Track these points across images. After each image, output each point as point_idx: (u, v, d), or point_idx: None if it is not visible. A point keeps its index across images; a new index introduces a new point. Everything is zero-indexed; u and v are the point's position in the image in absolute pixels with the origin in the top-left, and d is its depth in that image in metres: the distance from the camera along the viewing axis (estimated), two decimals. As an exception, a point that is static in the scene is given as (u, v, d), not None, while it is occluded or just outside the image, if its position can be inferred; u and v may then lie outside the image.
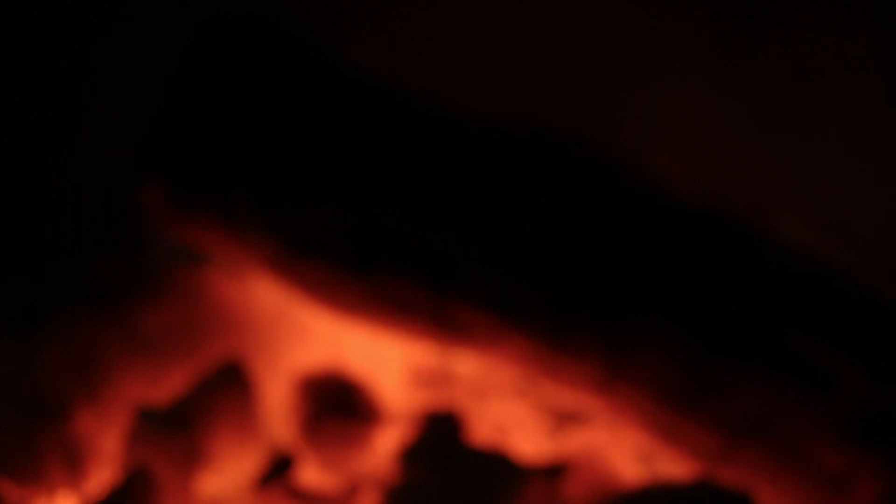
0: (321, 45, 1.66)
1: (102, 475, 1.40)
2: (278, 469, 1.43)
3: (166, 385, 1.52)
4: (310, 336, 1.78)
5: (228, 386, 1.51)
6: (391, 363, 1.83)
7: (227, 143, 1.58)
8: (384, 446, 1.55)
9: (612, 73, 2.46)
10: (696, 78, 2.45)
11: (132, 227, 1.71)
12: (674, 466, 1.52)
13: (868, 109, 2.40)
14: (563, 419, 1.80)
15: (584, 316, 1.45)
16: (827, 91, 2.41)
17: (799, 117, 2.42)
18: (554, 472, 1.50)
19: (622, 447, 1.68)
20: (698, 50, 2.44)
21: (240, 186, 1.58)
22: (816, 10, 2.39)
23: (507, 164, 1.55)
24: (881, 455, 1.27)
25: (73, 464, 1.38)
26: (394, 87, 1.62)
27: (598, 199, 1.52)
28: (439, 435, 1.32)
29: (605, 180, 1.56)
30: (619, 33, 2.45)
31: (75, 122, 2.30)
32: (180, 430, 1.34)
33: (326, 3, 2.38)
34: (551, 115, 2.01)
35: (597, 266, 1.46)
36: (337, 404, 1.53)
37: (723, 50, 2.43)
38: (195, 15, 1.66)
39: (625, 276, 1.45)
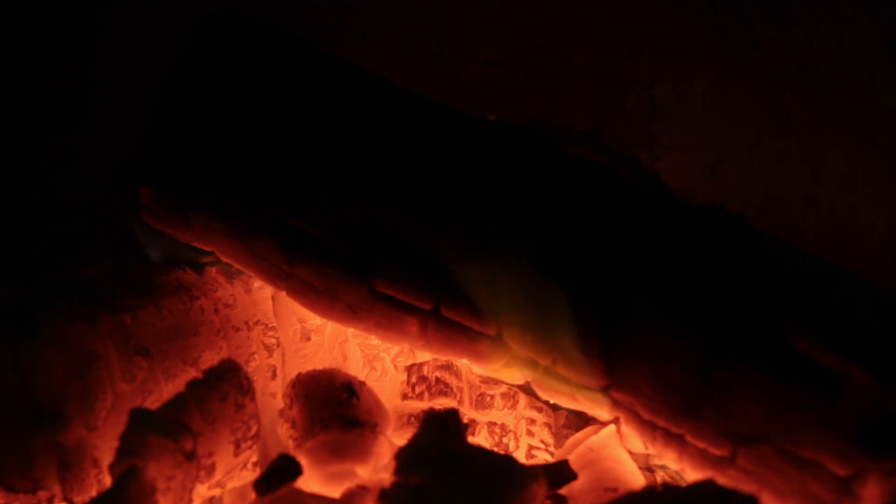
0: (318, 44, 1.65)
1: (98, 479, 1.39)
2: (278, 471, 1.42)
3: (163, 387, 1.51)
4: (309, 338, 1.77)
5: (226, 388, 1.50)
6: (391, 365, 1.83)
7: (223, 144, 1.57)
8: (384, 447, 1.54)
9: (614, 73, 2.46)
10: (697, 77, 2.45)
11: (127, 231, 1.70)
12: (676, 468, 1.51)
13: (872, 108, 2.40)
14: (564, 420, 1.80)
15: (585, 316, 1.44)
16: (830, 90, 2.41)
17: (802, 116, 2.42)
18: (555, 473, 1.49)
19: (624, 448, 1.67)
20: (700, 50, 2.44)
21: (237, 188, 1.57)
22: (819, 7, 2.39)
23: (507, 164, 1.54)
24: (888, 458, 1.26)
25: (68, 469, 1.37)
26: (393, 87, 1.61)
27: (599, 199, 1.51)
28: (439, 435, 1.31)
29: (605, 180, 1.55)
30: (621, 33, 2.45)
31: (71, 125, 2.30)
32: (177, 432, 1.33)
33: (327, 3, 2.38)
34: (553, 114, 2.00)
35: (597, 266, 1.45)
36: (337, 407, 1.52)
37: (725, 49, 2.43)
38: (188, 19, 1.65)
39: (625, 277, 1.44)
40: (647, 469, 1.69)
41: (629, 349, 1.43)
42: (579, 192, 1.50)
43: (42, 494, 1.38)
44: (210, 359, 1.58)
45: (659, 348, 1.40)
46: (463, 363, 1.71)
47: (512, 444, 1.70)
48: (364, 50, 1.94)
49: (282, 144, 1.55)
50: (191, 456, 1.33)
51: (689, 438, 1.41)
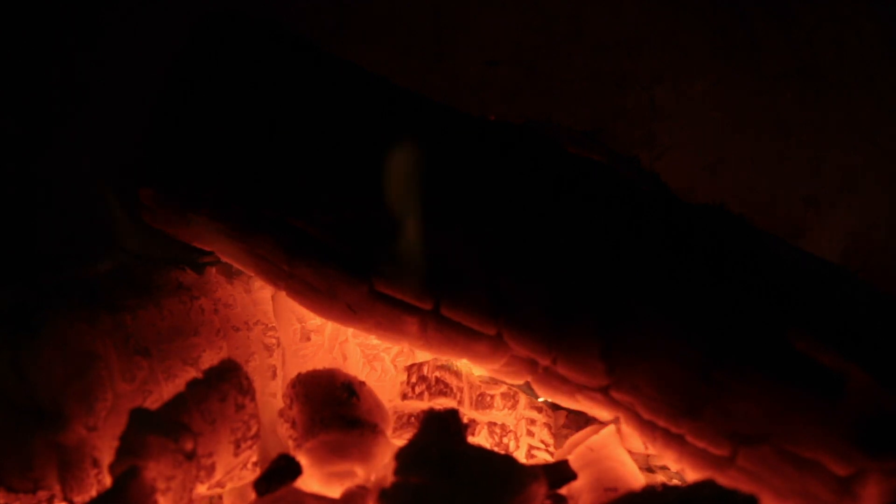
0: (318, 44, 1.65)
1: (98, 479, 1.39)
2: (278, 471, 1.42)
3: (163, 387, 1.51)
4: (309, 338, 1.77)
5: (226, 388, 1.50)
6: (391, 365, 1.83)
7: (223, 144, 1.57)
8: (384, 447, 1.54)
9: (614, 73, 2.46)
10: (697, 77, 2.45)
11: (126, 230, 1.70)
12: (676, 468, 1.51)
13: (872, 108, 2.40)
14: (564, 420, 1.80)
15: (585, 316, 1.44)
16: (830, 90, 2.41)
17: (802, 116, 2.42)
18: (555, 473, 1.49)
19: (624, 448, 1.67)
20: (700, 50, 2.44)
21: (237, 188, 1.57)
22: (819, 7, 2.39)
23: (507, 164, 1.54)
24: (888, 458, 1.26)
25: (68, 469, 1.37)
26: (394, 87, 1.61)
27: (599, 199, 1.51)
28: (439, 435, 1.31)
29: (605, 180, 1.55)
30: (621, 33, 2.45)
31: (71, 125, 2.30)
32: (177, 432, 1.33)
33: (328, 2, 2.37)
34: (553, 114, 2.00)
35: (597, 266, 1.45)
36: (337, 407, 1.52)
37: (725, 49, 2.43)
38: (188, 19, 1.65)
39: (625, 277, 1.44)
40: (647, 469, 1.69)
41: (629, 349, 1.43)
42: (579, 192, 1.50)
43: (42, 494, 1.38)
44: (210, 359, 1.57)
45: (659, 348, 1.40)
46: (463, 363, 1.71)
47: (512, 444, 1.69)
48: (364, 50, 1.94)
49: (282, 144, 1.55)
50: (191, 456, 1.33)
51: (689, 438, 1.41)
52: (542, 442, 1.71)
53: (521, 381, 1.63)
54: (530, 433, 1.71)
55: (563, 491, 1.51)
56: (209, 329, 1.60)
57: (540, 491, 1.29)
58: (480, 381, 1.73)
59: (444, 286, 1.50)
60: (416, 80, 1.69)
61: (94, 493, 1.38)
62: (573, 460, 1.55)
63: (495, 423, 1.70)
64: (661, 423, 1.43)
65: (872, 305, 1.45)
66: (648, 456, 1.70)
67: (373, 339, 1.78)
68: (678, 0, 2.42)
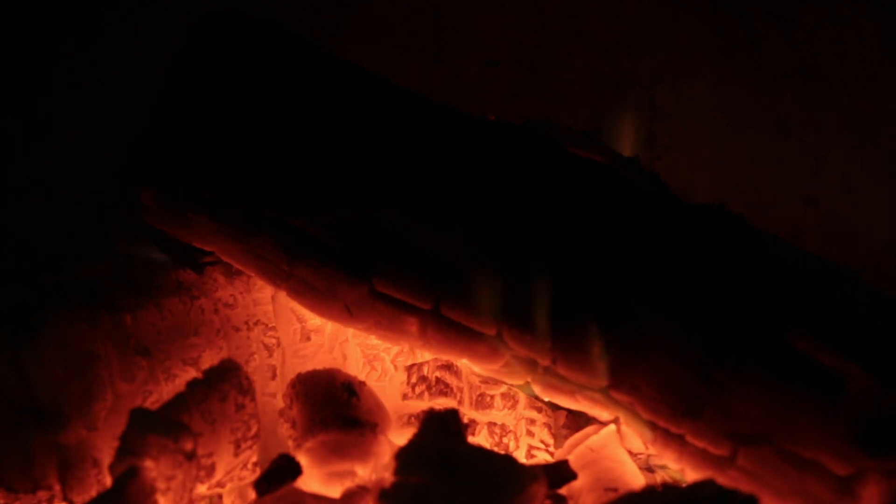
0: (318, 44, 1.65)
1: (98, 480, 1.39)
2: (278, 471, 1.42)
3: (163, 387, 1.51)
4: (309, 338, 1.77)
5: (226, 388, 1.50)
6: (391, 365, 1.83)
7: (223, 145, 1.57)
8: (384, 447, 1.54)
9: (614, 73, 2.46)
10: (697, 77, 2.45)
11: (126, 230, 1.71)
12: (676, 468, 1.51)
13: (872, 108, 2.40)
14: (564, 420, 1.80)
15: (585, 316, 1.44)
16: (830, 90, 2.41)
17: (802, 116, 2.42)
18: (555, 473, 1.49)
19: (624, 448, 1.67)
20: (700, 50, 2.44)
21: (237, 188, 1.57)
22: (819, 7, 2.39)
23: (507, 164, 1.54)
24: (888, 458, 1.26)
25: (68, 469, 1.37)
26: (393, 87, 1.61)
27: (599, 199, 1.51)
28: (439, 435, 1.31)
29: (605, 180, 1.55)
30: (621, 33, 2.45)
31: (71, 125, 2.30)
32: (177, 432, 1.33)
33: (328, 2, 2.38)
34: (553, 114, 2.00)
35: (597, 266, 1.45)
36: (337, 407, 1.52)
37: (725, 49, 2.43)
38: (188, 19, 1.65)
39: (625, 277, 1.44)
40: (647, 469, 1.69)
41: (629, 349, 1.43)
42: (579, 193, 1.50)
43: (42, 494, 1.38)
44: (210, 359, 1.58)
45: (659, 348, 1.40)
46: (463, 363, 1.71)
47: (512, 444, 1.69)
48: (364, 50, 1.94)
49: (282, 144, 1.55)
50: (191, 456, 1.33)
51: (689, 438, 1.41)
52: (542, 442, 1.71)
53: (521, 381, 1.63)
54: (530, 433, 1.71)
55: (563, 491, 1.51)
56: (209, 329, 1.60)
57: (540, 491, 1.29)
58: (480, 381, 1.73)
59: (444, 286, 1.50)
60: (416, 80, 1.69)
61: (94, 493, 1.38)
62: (573, 460, 1.55)
63: (495, 423, 1.70)
64: (661, 423, 1.43)
65: (872, 305, 1.45)
66: (648, 456, 1.69)
67: (373, 339, 1.78)
68: (678, 0, 2.42)
